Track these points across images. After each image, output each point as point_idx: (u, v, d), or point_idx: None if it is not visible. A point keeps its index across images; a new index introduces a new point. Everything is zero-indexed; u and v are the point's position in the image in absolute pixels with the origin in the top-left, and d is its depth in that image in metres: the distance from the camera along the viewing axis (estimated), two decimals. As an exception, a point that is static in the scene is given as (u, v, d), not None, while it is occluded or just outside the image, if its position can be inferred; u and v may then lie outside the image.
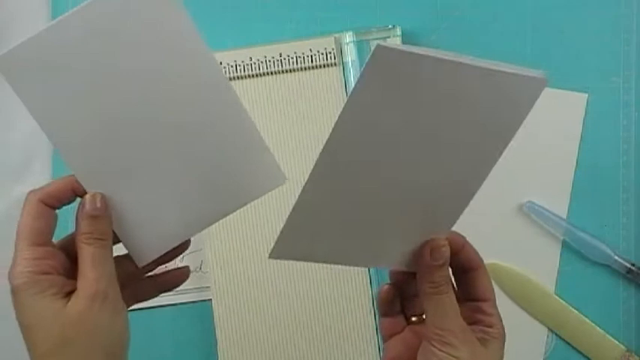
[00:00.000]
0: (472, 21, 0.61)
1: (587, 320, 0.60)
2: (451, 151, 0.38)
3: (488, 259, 0.60)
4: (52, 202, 0.39)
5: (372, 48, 0.33)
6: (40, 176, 0.61)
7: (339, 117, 0.35)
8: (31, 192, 0.39)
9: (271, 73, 0.59)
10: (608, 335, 0.60)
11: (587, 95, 0.61)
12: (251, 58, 0.59)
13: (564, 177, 0.60)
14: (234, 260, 0.59)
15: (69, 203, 0.40)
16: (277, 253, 0.40)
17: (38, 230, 0.38)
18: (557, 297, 0.60)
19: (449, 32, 0.61)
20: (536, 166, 0.61)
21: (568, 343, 0.60)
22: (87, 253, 0.38)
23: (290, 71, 0.59)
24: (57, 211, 0.40)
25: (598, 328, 0.60)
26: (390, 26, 0.60)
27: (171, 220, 0.41)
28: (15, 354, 0.41)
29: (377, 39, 0.59)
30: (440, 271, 0.39)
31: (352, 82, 0.59)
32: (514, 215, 0.60)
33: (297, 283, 0.59)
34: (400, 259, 0.41)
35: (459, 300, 0.40)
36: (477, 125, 0.38)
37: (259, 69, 0.59)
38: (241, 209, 0.52)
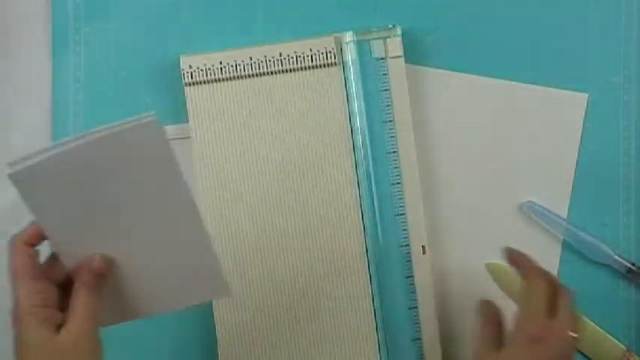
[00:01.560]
0: (472, 21, 0.61)
1: (588, 320, 0.60)
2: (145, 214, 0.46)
3: (488, 259, 0.60)
4: (33, 242, 0.46)
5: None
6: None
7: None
8: (13, 236, 0.46)
9: (271, 73, 0.59)
10: (608, 335, 0.60)
11: (587, 95, 0.61)
12: (251, 58, 0.59)
13: (564, 177, 0.60)
14: (234, 260, 0.59)
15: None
16: None
17: (32, 266, 0.45)
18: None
19: (449, 32, 0.61)
20: (536, 166, 0.61)
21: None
22: (83, 297, 0.45)
23: (290, 71, 0.59)
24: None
25: (598, 328, 0.60)
26: (390, 26, 0.60)
27: (127, 300, 0.49)
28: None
29: (377, 39, 0.59)
30: None
31: (352, 81, 0.59)
32: (514, 215, 0.60)
33: (297, 281, 0.59)
34: None
35: None
36: (141, 185, 0.45)
37: (259, 69, 0.59)
38: (246, 209, 0.59)
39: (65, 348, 0.44)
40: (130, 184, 0.45)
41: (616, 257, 0.59)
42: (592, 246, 0.59)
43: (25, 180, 0.44)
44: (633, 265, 0.59)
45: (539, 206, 0.60)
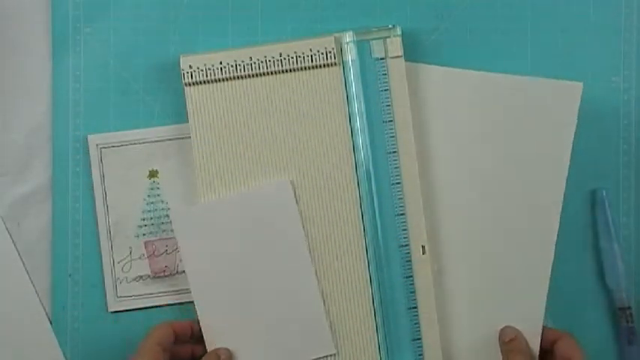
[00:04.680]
0: (472, 21, 0.61)
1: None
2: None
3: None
4: (165, 343, 0.54)
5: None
6: (40, 176, 0.61)
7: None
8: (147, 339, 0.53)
9: (271, 73, 0.59)
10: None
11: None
12: (251, 58, 0.59)
13: (564, 177, 0.60)
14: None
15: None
16: None
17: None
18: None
19: (449, 32, 0.61)
20: (536, 165, 0.60)
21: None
22: None
23: (290, 71, 0.59)
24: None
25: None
26: (390, 26, 0.60)
27: None
28: None
29: (377, 39, 0.59)
30: None
31: (352, 82, 0.59)
32: (512, 215, 0.60)
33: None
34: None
35: None
36: (269, 237, 0.57)
37: (259, 69, 0.59)
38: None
39: None
40: (260, 236, 0.57)
41: (619, 295, 0.60)
42: (612, 269, 0.60)
43: (184, 220, 0.56)
44: (628, 308, 0.59)
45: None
